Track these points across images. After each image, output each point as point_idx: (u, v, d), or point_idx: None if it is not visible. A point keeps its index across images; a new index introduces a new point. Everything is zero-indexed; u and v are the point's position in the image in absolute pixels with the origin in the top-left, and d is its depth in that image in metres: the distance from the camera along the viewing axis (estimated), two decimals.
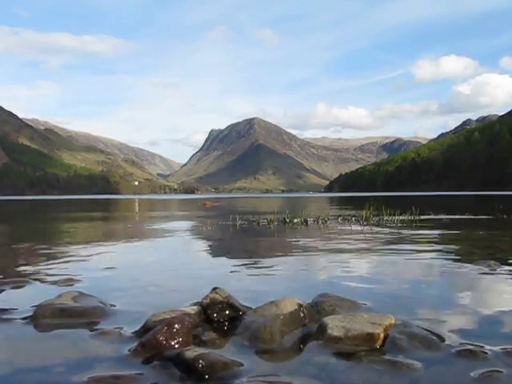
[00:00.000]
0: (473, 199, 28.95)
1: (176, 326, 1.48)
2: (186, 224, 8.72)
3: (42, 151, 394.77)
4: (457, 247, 4.43)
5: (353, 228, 6.66)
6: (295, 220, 7.68)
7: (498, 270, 2.97)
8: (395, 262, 3.48)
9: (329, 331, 1.55)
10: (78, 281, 2.74)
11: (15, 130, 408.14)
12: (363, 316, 1.61)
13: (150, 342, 1.46)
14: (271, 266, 3.39)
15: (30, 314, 1.92)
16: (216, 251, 4.49)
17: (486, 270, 2.99)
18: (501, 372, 1.29)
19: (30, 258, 3.94)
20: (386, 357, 1.41)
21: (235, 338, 1.63)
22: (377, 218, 8.12)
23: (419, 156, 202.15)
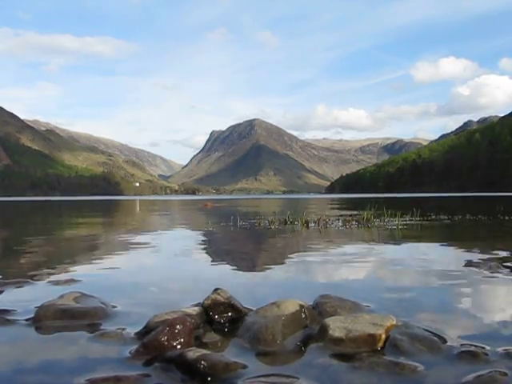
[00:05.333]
0: (474, 200, 28.91)
1: (178, 326, 1.49)
2: (187, 225, 8.72)
3: (43, 152, 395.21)
4: (458, 249, 4.43)
5: (354, 229, 6.66)
6: (296, 222, 7.68)
7: (500, 272, 2.96)
8: (396, 263, 3.47)
9: (330, 332, 1.54)
10: (80, 281, 2.73)
11: (17, 131, 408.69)
12: (364, 317, 1.61)
13: (151, 343, 1.46)
14: (272, 267, 3.39)
15: (32, 314, 1.92)
16: (217, 252, 4.49)
17: (487, 271, 2.99)
18: (503, 374, 1.28)
19: (31, 258, 3.94)
20: (388, 358, 1.40)
21: (237, 338, 1.63)
22: (378, 220, 8.11)
23: (420, 157, 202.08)
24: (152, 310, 1.85)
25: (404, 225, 7.22)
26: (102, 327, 1.78)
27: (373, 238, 5.48)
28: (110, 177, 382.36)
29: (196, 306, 1.88)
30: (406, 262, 3.58)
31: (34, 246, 5.10)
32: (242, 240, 5.69)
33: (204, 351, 1.38)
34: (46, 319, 1.85)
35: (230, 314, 1.81)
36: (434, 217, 9.43)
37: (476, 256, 3.75)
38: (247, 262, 3.72)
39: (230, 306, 1.82)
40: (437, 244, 4.85)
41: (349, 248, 4.46)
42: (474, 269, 3.09)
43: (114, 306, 2.08)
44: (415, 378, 1.29)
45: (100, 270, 3.20)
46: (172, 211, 16.48)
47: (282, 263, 3.61)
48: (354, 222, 7.59)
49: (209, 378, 1.29)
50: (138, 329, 1.70)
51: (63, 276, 2.90)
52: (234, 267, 3.43)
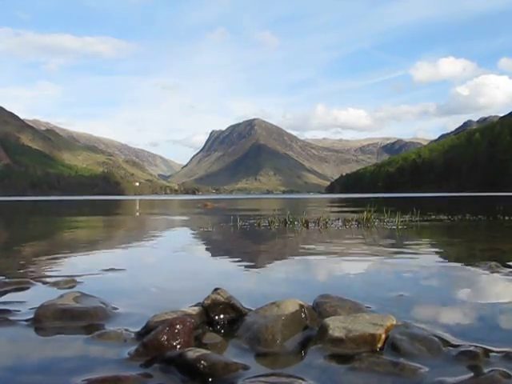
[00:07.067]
0: (473, 200, 28.92)
1: (177, 326, 1.48)
2: (186, 225, 8.72)
3: (43, 152, 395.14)
4: (458, 248, 4.43)
5: (353, 229, 6.66)
6: (296, 222, 7.68)
7: (500, 272, 2.95)
8: (396, 264, 3.47)
9: (330, 332, 1.54)
10: (80, 282, 2.73)
11: (16, 130, 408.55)
12: (364, 317, 1.61)
13: (151, 343, 1.46)
14: (272, 267, 3.40)
15: (32, 314, 1.91)
16: (217, 252, 4.49)
17: (487, 271, 2.98)
18: (503, 374, 1.27)
19: (31, 259, 3.94)
20: (388, 358, 1.40)
21: (236, 338, 1.63)
22: (378, 220, 8.11)
23: (420, 157, 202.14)
24: (152, 310, 1.84)
25: (404, 225, 7.22)
26: (101, 327, 1.78)
27: (373, 238, 5.48)
28: (110, 176, 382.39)
29: (196, 306, 1.87)
30: (406, 262, 3.58)
31: (34, 245, 5.11)
32: (241, 240, 5.69)
33: (204, 351, 1.37)
34: (46, 319, 1.84)
35: (229, 313, 1.81)
36: (433, 217, 9.43)
37: (476, 256, 3.75)
38: (247, 262, 3.72)
39: (230, 305, 1.81)
40: (436, 244, 4.86)
41: (349, 248, 4.46)
42: (473, 269, 3.08)
43: (114, 306, 2.07)
44: (415, 378, 1.29)
45: (100, 270, 3.20)
46: (172, 211, 16.48)
47: (282, 263, 3.61)
48: (353, 222, 7.59)
49: (209, 379, 1.29)
50: (138, 329, 1.70)
51: (63, 276, 2.89)
52: (234, 267, 3.43)
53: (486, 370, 1.31)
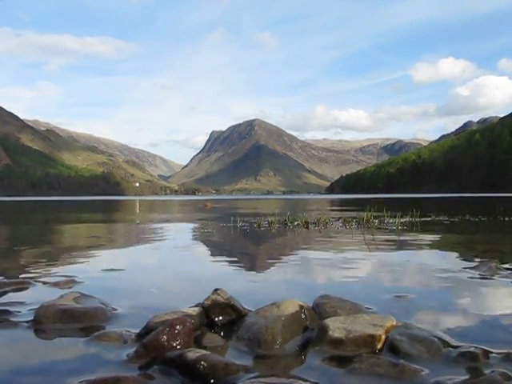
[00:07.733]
0: (473, 201, 28.92)
1: (178, 327, 1.48)
2: (186, 226, 8.72)
3: (43, 152, 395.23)
4: (458, 250, 4.43)
5: (353, 230, 6.66)
6: (296, 222, 7.67)
7: (500, 273, 2.95)
8: (396, 265, 3.47)
9: (330, 332, 1.54)
10: (80, 282, 2.73)
11: (16, 131, 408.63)
12: (364, 317, 1.60)
13: (151, 344, 1.46)
14: (272, 268, 3.39)
15: (32, 315, 1.92)
16: (217, 253, 4.49)
17: (487, 272, 2.98)
18: (503, 375, 1.27)
19: (31, 259, 3.94)
20: (388, 359, 1.40)
21: (236, 339, 1.63)
22: (377, 220, 8.11)
23: (420, 158, 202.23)
24: (152, 311, 1.84)
25: (404, 225, 7.22)
26: (101, 328, 1.77)
27: (372, 239, 5.48)
28: (110, 177, 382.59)
29: (196, 306, 1.87)
30: (406, 262, 3.58)
31: (34, 246, 5.10)
32: (241, 241, 5.68)
33: (204, 352, 1.37)
34: (46, 320, 1.84)
35: (229, 314, 1.81)
36: (433, 217, 9.43)
37: (476, 257, 3.75)
38: (247, 263, 3.72)
39: (230, 306, 1.81)
40: (436, 245, 4.85)
41: (349, 249, 4.46)
42: (473, 270, 3.08)
43: (114, 307, 2.07)
44: (415, 379, 1.29)
45: (100, 271, 3.20)
46: (172, 212, 16.48)
47: (282, 264, 3.61)
48: (353, 223, 7.59)
49: (209, 379, 1.28)
50: (138, 329, 1.69)
51: (63, 277, 2.89)
52: (234, 268, 3.43)
53: (486, 371, 1.30)
